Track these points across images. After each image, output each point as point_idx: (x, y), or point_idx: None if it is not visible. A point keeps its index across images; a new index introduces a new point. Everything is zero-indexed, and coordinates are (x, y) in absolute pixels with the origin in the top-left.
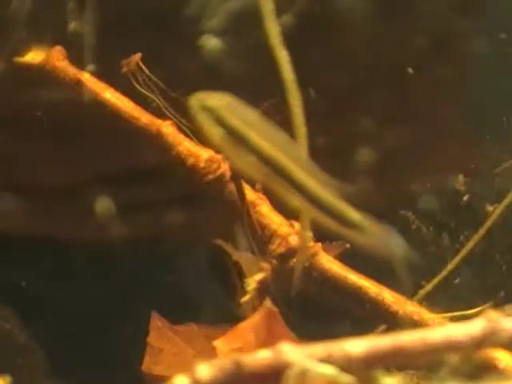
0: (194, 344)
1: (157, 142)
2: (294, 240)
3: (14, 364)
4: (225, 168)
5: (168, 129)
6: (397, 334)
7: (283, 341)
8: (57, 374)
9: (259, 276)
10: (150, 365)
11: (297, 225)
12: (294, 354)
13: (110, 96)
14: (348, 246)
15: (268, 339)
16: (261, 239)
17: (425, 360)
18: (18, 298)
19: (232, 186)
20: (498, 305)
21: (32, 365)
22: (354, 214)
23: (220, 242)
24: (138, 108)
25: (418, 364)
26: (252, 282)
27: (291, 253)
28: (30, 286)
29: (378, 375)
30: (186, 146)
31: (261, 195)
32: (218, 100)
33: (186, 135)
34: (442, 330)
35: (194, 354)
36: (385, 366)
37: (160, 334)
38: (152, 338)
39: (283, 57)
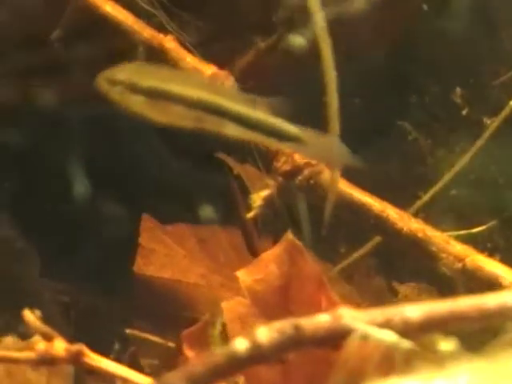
0: (185, 244)
1: (159, 56)
2: (299, 158)
3: (12, 268)
4: (229, 84)
5: (171, 44)
6: (453, 300)
7: (306, 273)
8: (50, 277)
9: (265, 192)
10: (142, 266)
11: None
12: (354, 318)
13: (111, 9)
14: None
15: (291, 271)
16: (266, 156)
17: (480, 325)
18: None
19: None
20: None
21: (29, 268)
22: (291, 129)
23: (221, 154)
24: (140, 22)
25: (473, 329)
26: (257, 199)
27: (297, 170)
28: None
29: (435, 340)
30: (189, 61)
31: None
32: (125, 70)
33: (189, 51)
34: (498, 296)
35: (184, 255)
36: (441, 331)
37: (151, 234)
38: (143, 239)
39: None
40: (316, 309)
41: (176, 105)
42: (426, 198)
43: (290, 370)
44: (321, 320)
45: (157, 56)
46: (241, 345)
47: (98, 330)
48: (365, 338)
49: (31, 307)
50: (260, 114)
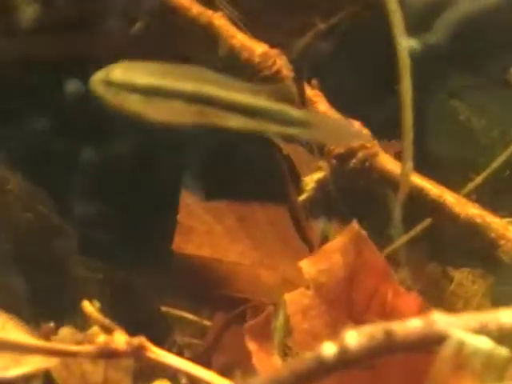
0: (224, 222)
1: (208, 33)
2: None
3: (51, 245)
4: (281, 63)
5: (220, 20)
6: None
7: (372, 264)
8: (85, 254)
9: (317, 175)
10: (181, 244)
11: (357, 124)
12: (447, 324)
13: None
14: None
15: (357, 262)
16: None
17: None
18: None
19: (288, 83)
20: None
21: (67, 245)
22: (295, 113)
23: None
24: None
25: None
26: (310, 181)
27: (351, 153)
28: None
29: None
30: (239, 39)
31: (317, 92)
32: (118, 70)
33: (239, 28)
34: None
35: (223, 233)
36: None
37: (190, 211)
38: (182, 216)
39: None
40: (381, 301)
41: (174, 100)
42: (478, 180)
43: (380, 375)
44: (413, 325)
45: (205, 34)
46: (329, 349)
47: (132, 308)
48: (460, 344)
49: (69, 284)
50: (262, 102)
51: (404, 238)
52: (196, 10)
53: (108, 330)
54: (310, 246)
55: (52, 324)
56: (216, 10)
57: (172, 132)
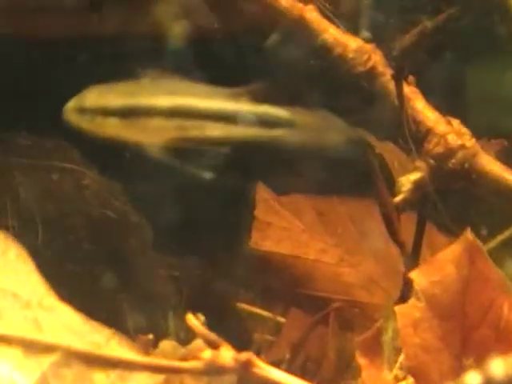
0: (303, 217)
1: (299, 27)
2: (453, 139)
3: (128, 242)
4: (376, 59)
5: (312, 14)
6: None
7: (487, 276)
8: (162, 251)
9: (414, 176)
10: (258, 240)
11: (455, 122)
12: None
13: None
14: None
15: (471, 273)
16: (415, 136)
17: None
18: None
19: (383, 79)
20: None
21: (143, 242)
22: (280, 113)
23: (359, 130)
24: None
25: None
26: (406, 182)
27: (450, 153)
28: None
29: None
30: (332, 33)
31: (414, 89)
32: (90, 96)
33: (331, 22)
34: None
35: (303, 229)
36: None
37: (267, 206)
38: (259, 212)
39: None
40: (496, 315)
41: (152, 118)
42: None
43: None
44: None
45: (297, 27)
46: (473, 379)
47: (209, 305)
48: None
49: (145, 282)
50: (243, 106)
51: (500, 237)
52: (286, 2)
53: (213, 345)
54: (402, 249)
55: (151, 336)
56: (307, 2)
57: None
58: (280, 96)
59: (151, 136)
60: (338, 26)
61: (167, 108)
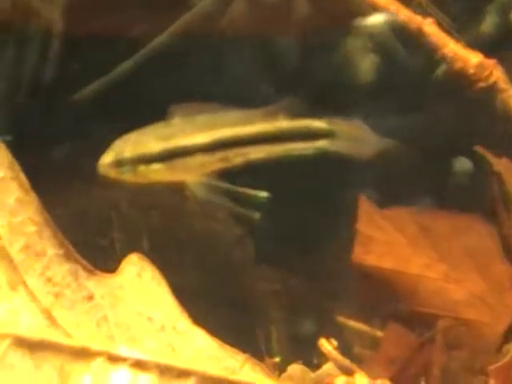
0: (406, 231)
1: (417, 41)
2: None
3: (232, 254)
4: (497, 75)
5: (431, 28)
6: None
7: None
8: (265, 263)
9: None
10: (361, 254)
11: None
12: None
13: None
14: None
15: None
16: None
17: None
18: None
19: (504, 95)
20: None
21: (246, 255)
22: (320, 125)
23: (479, 148)
24: (396, 2)
25: None
26: None
27: None
28: None
29: None
30: (452, 48)
31: None
32: (126, 147)
33: (451, 36)
34: None
35: (406, 243)
36: None
37: (369, 219)
38: (361, 225)
39: None
40: None
41: (195, 156)
42: None
43: None
44: None
45: (414, 40)
46: None
47: (307, 317)
48: None
49: (245, 297)
50: (283, 123)
51: None
52: (404, 15)
53: (347, 371)
54: None
55: (277, 359)
56: (425, 15)
57: None
58: (313, 108)
59: (197, 174)
60: (457, 41)
61: (208, 143)
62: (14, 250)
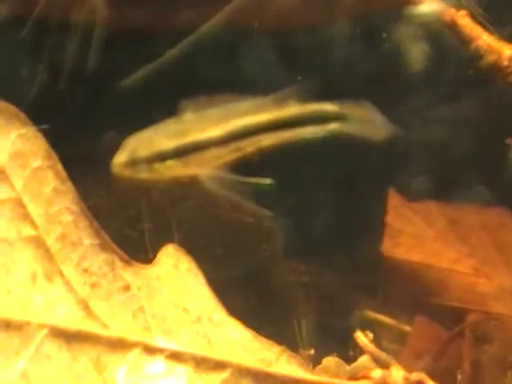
0: (435, 225)
1: (451, 33)
2: None
3: (261, 248)
4: None
5: (464, 20)
6: None
7: None
8: (293, 257)
9: None
10: (390, 247)
11: None
12: None
13: None
14: None
15: None
16: None
17: None
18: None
19: None
20: None
21: (275, 249)
22: (331, 108)
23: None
24: None
25: None
26: None
27: None
28: None
29: None
30: (485, 40)
31: None
32: (140, 146)
33: (485, 28)
34: None
35: (435, 236)
36: None
37: (399, 213)
38: (390, 218)
39: None
40: None
41: (209, 150)
42: None
43: None
44: None
45: (449, 31)
46: None
47: (336, 310)
48: None
49: (274, 289)
50: (293, 108)
51: None
52: (438, 6)
53: (383, 364)
54: None
55: (312, 351)
56: (459, 7)
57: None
58: (324, 92)
59: (212, 167)
60: (491, 33)
61: (220, 136)
62: (51, 240)
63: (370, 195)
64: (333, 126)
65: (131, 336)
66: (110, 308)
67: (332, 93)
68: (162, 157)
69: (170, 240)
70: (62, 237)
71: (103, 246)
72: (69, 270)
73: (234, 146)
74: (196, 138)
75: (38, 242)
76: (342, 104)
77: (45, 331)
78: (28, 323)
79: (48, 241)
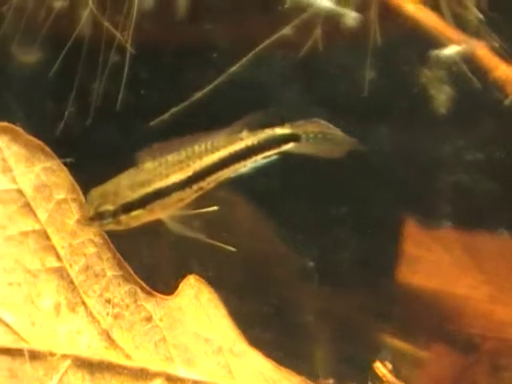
0: (453, 251)
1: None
2: None
3: (273, 273)
4: None
5: (482, 51)
6: None
7: None
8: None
9: None
10: (407, 273)
11: None
12: None
13: (414, 9)
14: None
15: None
16: None
17: None
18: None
19: None
20: None
21: (289, 274)
22: (280, 131)
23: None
24: (448, 25)
25: None
26: None
27: None
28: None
29: None
30: (503, 70)
31: None
32: (105, 200)
33: (504, 59)
34: None
35: (452, 263)
36: None
37: (416, 240)
38: (407, 245)
39: None
40: None
41: (174, 194)
42: None
43: None
44: None
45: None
46: None
47: (354, 338)
48: None
49: (294, 316)
50: (249, 136)
51: None
52: (458, 38)
53: None
54: None
55: (332, 381)
56: (479, 38)
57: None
58: (274, 120)
59: (172, 210)
60: (509, 63)
61: (182, 181)
62: (74, 271)
63: (388, 222)
64: (285, 147)
65: (153, 366)
66: (132, 338)
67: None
68: (128, 208)
69: (190, 270)
70: (86, 268)
71: (126, 278)
72: (92, 301)
73: (195, 187)
74: (159, 186)
75: (62, 274)
76: (294, 125)
77: (68, 362)
78: (52, 354)
79: (72, 272)
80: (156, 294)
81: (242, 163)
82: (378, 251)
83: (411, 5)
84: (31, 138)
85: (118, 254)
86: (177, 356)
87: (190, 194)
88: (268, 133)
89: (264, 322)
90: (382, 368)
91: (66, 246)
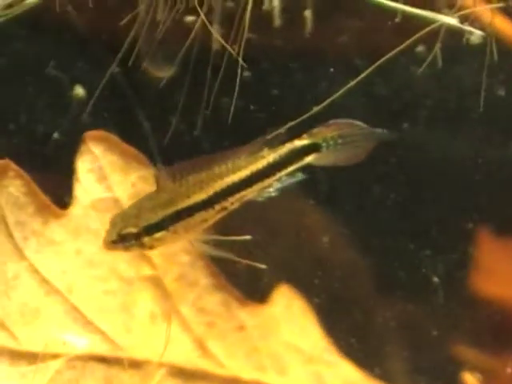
0: None
1: None
2: None
3: (348, 284)
4: None
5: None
6: None
7: None
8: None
9: None
10: (481, 283)
11: None
12: None
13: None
14: None
15: None
16: None
17: None
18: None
19: None
20: None
21: (364, 284)
22: (301, 143)
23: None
24: None
25: None
26: None
27: None
28: None
29: None
30: None
31: None
32: (127, 223)
33: None
34: None
35: None
36: None
37: (489, 249)
38: (481, 254)
39: None
40: None
41: (197, 216)
42: None
43: None
44: None
45: None
46: None
47: (424, 346)
48: None
49: (364, 323)
50: (271, 153)
51: None
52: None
53: None
54: None
55: None
56: None
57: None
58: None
59: (196, 232)
60: None
61: (204, 200)
62: (168, 280)
63: (461, 231)
64: (306, 161)
65: (246, 375)
66: (225, 347)
67: None
68: (150, 230)
69: (282, 279)
70: (180, 277)
71: (219, 286)
72: (185, 310)
73: (218, 207)
74: (181, 206)
75: (157, 282)
76: (313, 132)
77: (164, 370)
78: (148, 362)
79: (166, 280)
80: (249, 302)
81: (266, 181)
82: (451, 260)
83: None
84: (127, 146)
85: (212, 263)
86: (269, 365)
87: (213, 215)
88: (288, 146)
89: (351, 332)
90: (470, 378)
91: (160, 254)
